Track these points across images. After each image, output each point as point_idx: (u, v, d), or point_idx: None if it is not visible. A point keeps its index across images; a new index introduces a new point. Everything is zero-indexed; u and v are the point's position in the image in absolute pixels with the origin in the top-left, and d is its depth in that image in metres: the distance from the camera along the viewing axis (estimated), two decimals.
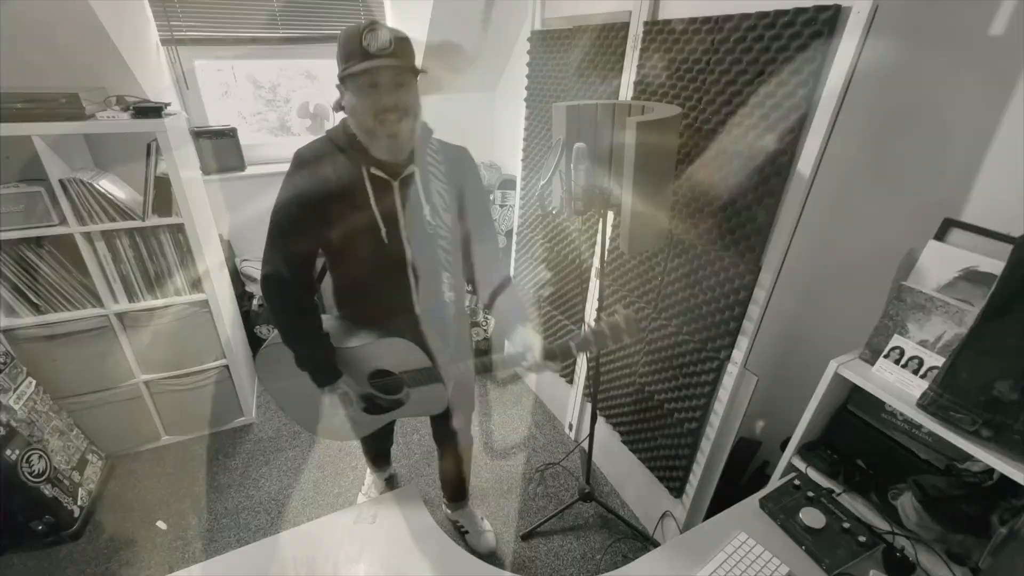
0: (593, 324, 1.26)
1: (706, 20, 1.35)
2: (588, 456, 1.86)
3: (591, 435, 1.79)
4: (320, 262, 1.26)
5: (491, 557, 1.77)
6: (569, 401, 2.29)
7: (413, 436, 2.31)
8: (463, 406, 1.56)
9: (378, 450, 1.87)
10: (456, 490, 1.80)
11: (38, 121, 1.57)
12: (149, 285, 1.92)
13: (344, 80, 1.03)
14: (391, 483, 2.05)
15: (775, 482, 1.28)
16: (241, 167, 2.48)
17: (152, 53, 2.13)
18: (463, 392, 1.53)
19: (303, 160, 1.10)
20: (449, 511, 1.88)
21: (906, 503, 1.12)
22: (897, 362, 1.08)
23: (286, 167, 1.11)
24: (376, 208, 1.11)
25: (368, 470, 1.96)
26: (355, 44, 0.98)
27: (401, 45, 1.01)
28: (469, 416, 1.63)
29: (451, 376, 1.28)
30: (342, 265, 1.23)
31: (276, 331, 1.26)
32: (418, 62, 1.09)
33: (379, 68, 0.98)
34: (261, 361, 1.34)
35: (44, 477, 1.73)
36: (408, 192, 1.14)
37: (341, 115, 1.12)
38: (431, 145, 1.19)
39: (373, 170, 1.10)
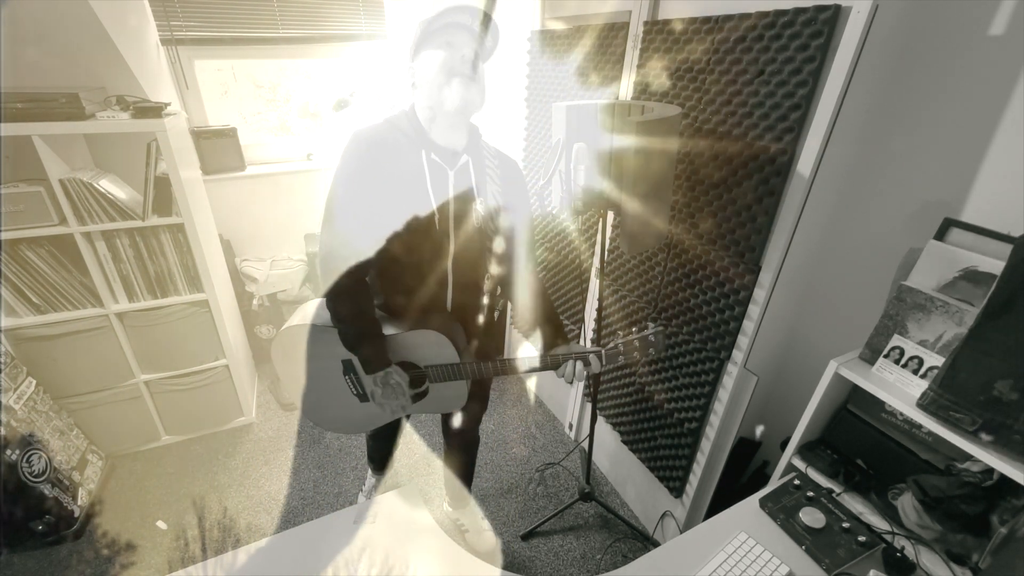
0: (629, 336, 1.23)
1: (706, 20, 1.35)
2: (588, 456, 1.86)
3: (591, 435, 1.79)
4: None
5: (491, 556, 1.77)
6: (569, 401, 2.29)
7: (413, 436, 2.31)
8: (478, 404, 1.56)
9: (383, 452, 1.87)
10: (459, 488, 1.80)
11: (38, 121, 1.57)
12: (149, 285, 1.92)
13: (421, 46, 1.06)
14: (390, 483, 2.05)
15: (775, 482, 1.28)
16: (241, 167, 2.47)
17: (152, 53, 2.13)
18: (480, 389, 1.53)
19: (362, 138, 1.10)
20: (451, 508, 1.88)
21: (906, 503, 1.12)
22: (897, 362, 1.08)
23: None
24: (432, 192, 1.12)
25: (369, 470, 1.96)
26: (436, 13, 1.03)
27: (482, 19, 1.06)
28: (480, 415, 1.62)
29: (475, 375, 1.26)
30: (389, 248, 1.18)
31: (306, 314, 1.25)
32: None
33: (459, 26, 1.03)
34: (283, 338, 1.29)
35: (44, 477, 1.73)
36: (461, 184, 1.16)
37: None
38: (486, 146, 1.21)
39: (432, 155, 1.12)
